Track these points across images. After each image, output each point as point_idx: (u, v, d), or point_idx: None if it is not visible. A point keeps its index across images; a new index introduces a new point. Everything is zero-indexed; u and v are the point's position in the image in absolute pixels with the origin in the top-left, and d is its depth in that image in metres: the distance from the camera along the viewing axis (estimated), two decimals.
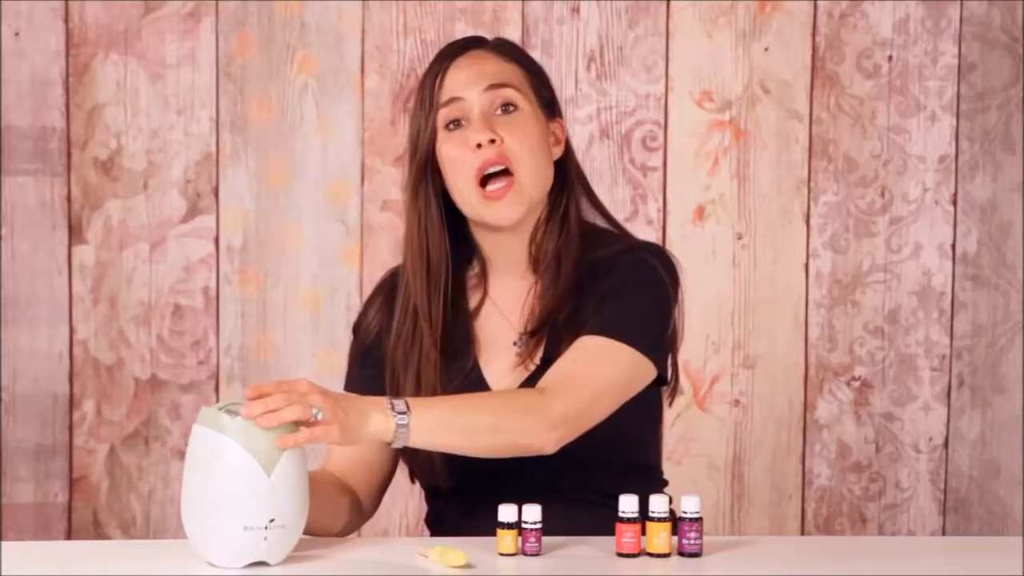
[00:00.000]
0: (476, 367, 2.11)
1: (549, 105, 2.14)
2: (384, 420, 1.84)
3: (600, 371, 2.01)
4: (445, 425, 1.89)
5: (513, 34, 3.09)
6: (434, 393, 2.05)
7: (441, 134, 2.08)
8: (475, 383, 2.09)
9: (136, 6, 3.10)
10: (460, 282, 2.14)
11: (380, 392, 2.04)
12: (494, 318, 2.13)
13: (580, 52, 3.13)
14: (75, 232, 3.12)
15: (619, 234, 2.17)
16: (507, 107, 2.07)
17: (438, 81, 2.08)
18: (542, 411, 1.93)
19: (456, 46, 2.12)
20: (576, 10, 3.13)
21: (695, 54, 3.14)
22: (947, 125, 3.16)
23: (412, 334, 2.09)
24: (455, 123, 2.07)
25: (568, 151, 2.15)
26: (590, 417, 1.99)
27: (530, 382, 2.06)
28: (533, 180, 2.07)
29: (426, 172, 2.09)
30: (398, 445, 1.86)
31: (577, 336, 2.04)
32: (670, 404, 2.19)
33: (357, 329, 2.20)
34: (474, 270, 2.16)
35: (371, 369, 2.14)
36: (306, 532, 1.91)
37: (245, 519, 1.79)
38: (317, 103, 3.13)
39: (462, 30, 3.09)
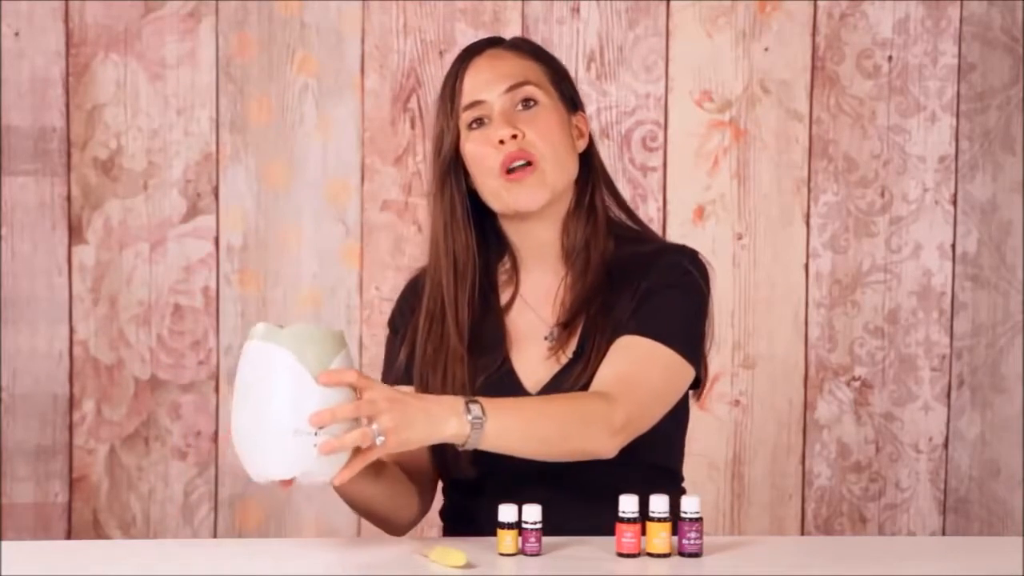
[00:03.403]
0: (507, 361, 2.12)
1: (570, 99, 2.16)
2: (459, 424, 1.86)
3: (653, 374, 2.03)
4: (517, 433, 1.91)
5: (512, 34, 3.09)
6: (463, 389, 2.07)
7: (464, 133, 2.11)
8: (505, 377, 2.11)
9: (136, 6, 3.10)
10: (491, 278, 2.17)
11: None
12: (525, 313, 2.15)
13: (580, 52, 3.13)
14: (75, 232, 3.12)
15: (645, 233, 2.19)
16: (527, 102, 2.10)
17: (458, 84, 2.11)
18: (606, 418, 1.96)
19: (474, 48, 2.15)
20: (576, 10, 3.13)
21: (695, 54, 3.14)
22: (947, 125, 3.16)
23: (440, 334, 2.12)
24: (477, 122, 2.10)
25: (591, 144, 2.18)
26: (646, 422, 2.02)
27: (563, 375, 2.07)
28: (555, 170, 2.09)
29: (450, 173, 2.12)
30: (469, 448, 1.89)
31: (616, 334, 2.05)
32: (697, 400, 2.20)
33: (392, 324, 2.23)
34: (505, 266, 2.19)
35: (407, 357, 2.16)
36: (378, 524, 2.01)
37: (295, 423, 1.79)
38: (317, 103, 3.13)
39: (462, 30, 3.09)
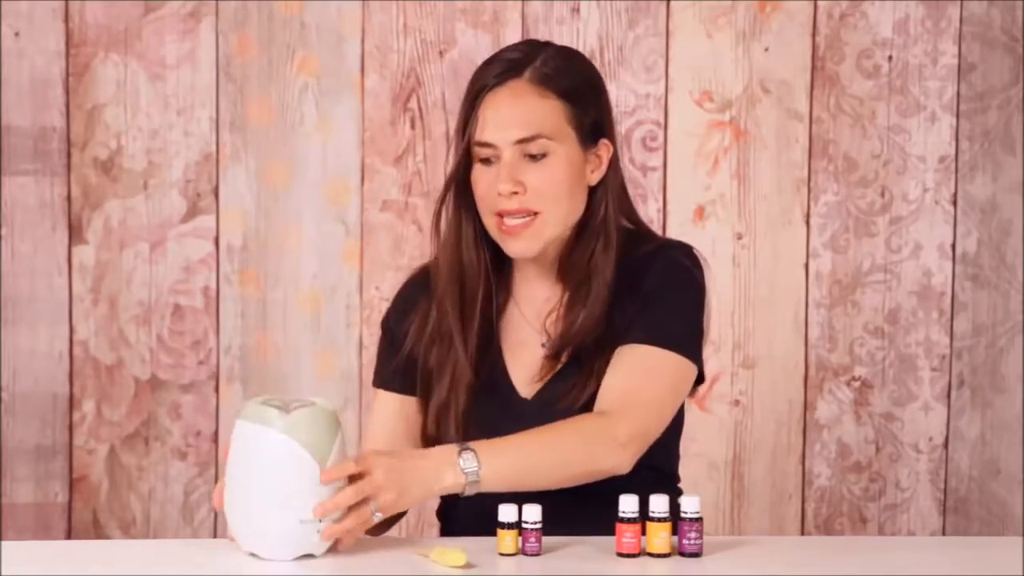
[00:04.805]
0: (501, 365, 2.12)
1: (593, 129, 2.10)
2: (454, 475, 1.89)
3: (656, 383, 2.04)
4: (516, 470, 1.93)
5: (513, 34, 3.09)
6: (467, 403, 2.09)
7: (476, 165, 2.09)
8: (499, 380, 2.11)
9: (136, 6, 3.10)
10: (490, 280, 2.15)
11: (411, 382, 2.13)
12: (517, 317, 2.15)
13: None
14: (75, 232, 3.12)
15: (643, 232, 2.17)
16: (536, 156, 2.06)
17: (474, 113, 2.07)
18: (608, 433, 1.97)
19: (496, 71, 2.08)
20: (576, 10, 3.13)
21: (695, 54, 3.14)
22: (947, 125, 3.16)
23: (447, 352, 2.11)
24: (486, 160, 2.08)
25: (611, 169, 2.12)
26: (655, 432, 2.03)
27: (558, 379, 2.08)
28: (556, 220, 2.08)
29: (459, 192, 2.10)
30: (470, 493, 1.90)
31: (616, 342, 2.05)
32: (693, 397, 2.21)
33: (386, 325, 2.21)
34: (501, 272, 2.17)
35: (401, 363, 2.16)
36: None
37: (301, 513, 1.81)
38: (317, 103, 3.13)
39: (462, 30, 3.09)
